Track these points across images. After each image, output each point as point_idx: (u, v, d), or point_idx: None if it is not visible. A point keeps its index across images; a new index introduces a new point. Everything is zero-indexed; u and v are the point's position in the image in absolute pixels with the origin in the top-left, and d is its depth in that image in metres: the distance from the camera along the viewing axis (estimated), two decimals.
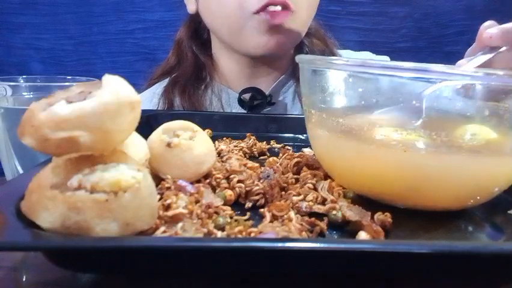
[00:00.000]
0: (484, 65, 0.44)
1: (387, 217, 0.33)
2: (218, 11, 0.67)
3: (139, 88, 0.77)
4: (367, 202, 0.36)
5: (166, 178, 0.35)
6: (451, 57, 0.51)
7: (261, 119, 0.62)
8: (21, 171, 0.46)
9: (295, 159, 0.44)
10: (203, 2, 0.70)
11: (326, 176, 0.40)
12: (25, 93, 0.50)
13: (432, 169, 0.33)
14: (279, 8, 0.62)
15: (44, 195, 0.26)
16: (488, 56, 0.45)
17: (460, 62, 0.47)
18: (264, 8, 0.62)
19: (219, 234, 0.30)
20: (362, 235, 0.30)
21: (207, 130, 0.56)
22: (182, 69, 0.77)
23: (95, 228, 0.25)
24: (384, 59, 0.83)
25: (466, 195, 0.34)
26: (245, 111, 0.71)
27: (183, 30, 0.79)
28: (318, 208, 0.35)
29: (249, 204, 0.36)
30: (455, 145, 0.32)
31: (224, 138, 0.54)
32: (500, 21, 0.48)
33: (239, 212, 0.35)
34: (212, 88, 0.75)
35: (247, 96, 0.71)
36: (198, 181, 0.38)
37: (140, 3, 1.21)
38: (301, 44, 0.76)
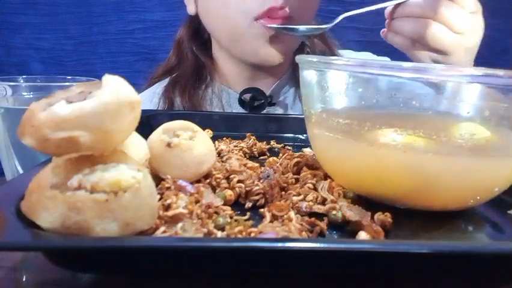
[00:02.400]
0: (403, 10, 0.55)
1: (387, 217, 0.33)
2: (219, 15, 0.67)
3: (139, 88, 0.77)
4: (367, 202, 0.36)
5: (166, 178, 0.35)
6: None
7: (261, 119, 0.62)
8: (21, 171, 0.46)
9: (295, 159, 0.43)
10: (203, 5, 0.70)
11: (326, 176, 0.40)
12: (25, 93, 0.50)
13: (432, 170, 0.33)
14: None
15: (44, 195, 0.26)
16: None
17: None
18: (265, 14, 0.62)
19: (219, 234, 0.29)
20: (362, 235, 0.30)
21: (207, 130, 0.56)
22: (183, 69, 0.77)
23: (95, 228, 0.25)
24: (385, 60, 0.83)
25: (466, 196, 0.34)
26: (245, 111, 0.71)
27: (183, 30, 0.79)
28: (318, 208, 0.35)
29: (249, 204, 0.36)
30: (455, 145, 0.32)
31: (224, 138, 0.54)
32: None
33: (239, 212, 0.35)
34: (212, 88, 0.75)
35: (247, 96, 0.71)
36: (198, 181, 0.38)
37: (140, 3, 1.21)
38: (302, 45, 0.76)
